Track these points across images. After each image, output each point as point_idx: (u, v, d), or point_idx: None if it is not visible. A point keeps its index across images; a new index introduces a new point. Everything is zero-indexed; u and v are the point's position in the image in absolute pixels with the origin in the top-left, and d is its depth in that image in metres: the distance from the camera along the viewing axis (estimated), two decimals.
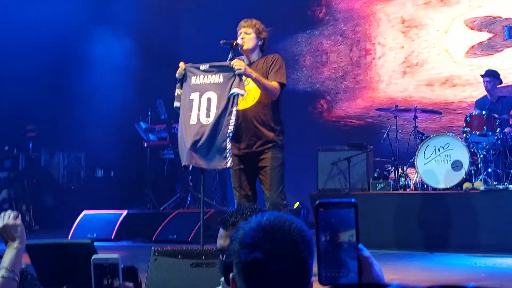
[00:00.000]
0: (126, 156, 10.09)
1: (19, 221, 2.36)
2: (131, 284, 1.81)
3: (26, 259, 2.97)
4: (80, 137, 10.39)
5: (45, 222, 9.36)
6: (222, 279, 2.18)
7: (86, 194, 9.95)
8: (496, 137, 6.89)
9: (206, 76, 4.62)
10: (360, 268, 1.31)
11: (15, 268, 2.26)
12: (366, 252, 1.33)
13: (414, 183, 7.21)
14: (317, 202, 1.30)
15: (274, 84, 4.63)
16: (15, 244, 2.32)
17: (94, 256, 1.78)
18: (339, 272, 1.31)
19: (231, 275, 1.44)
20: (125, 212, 8.23)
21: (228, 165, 4.51)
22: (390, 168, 7.44)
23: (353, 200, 1.31)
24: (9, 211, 2.38)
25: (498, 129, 6.92)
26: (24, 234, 2.38)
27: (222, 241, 2.23)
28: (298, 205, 8.68)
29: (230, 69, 4.49)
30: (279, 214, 1.44)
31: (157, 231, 7.57)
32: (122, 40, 10.24)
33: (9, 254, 2.27)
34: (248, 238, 1.39)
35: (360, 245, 1.32)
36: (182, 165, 4.64)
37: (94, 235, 7.76)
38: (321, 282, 1.31)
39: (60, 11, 9.82)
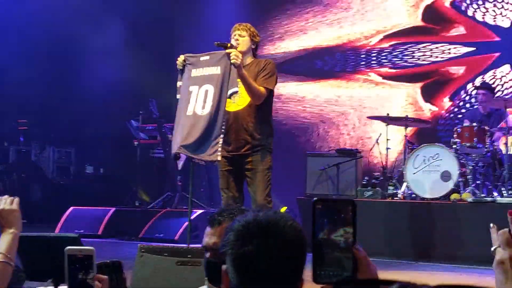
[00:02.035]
0: (116, 154, 10.08)
1: (15, 206, 2.34)
2: (105, 277, 1.80)
3: None
4: (71, 132, 10.38)
5: (33, 216, 9.32)
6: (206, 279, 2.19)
7: (75, 190, 9.93)
8: (486, 150, 6.93)
9: (205, 68, 4.66)
10: (356, 268, 1.31)
11: (10, 254, 2.25)
12: (363, 252, 1.33)
13: (402, 192, 7.24)
14: (315, 199, 1.29)
15: (261, 88, 4.66)
16: (12, 229, 2.30)
17: (68, 247, 1.75)
18: (334, 271, 1.29)
19: (223, 267, 1.45)
20: (113, 209, 8.22)
21: (219, 158, 4.53)
22: (379, 176, 7.47)
23: (351, 199, 1.30)
24: (5, 196, 2.36)
25: (488, 141, 6.96)
26: (21, 219, 2.36)
27: (207, 238, 2.22)
28: (285, 210, 8.69)
29: (227, 57, 4.52)
30: (277, 212, 1.46)
31: (144, 229, 7.57)
32: (116, 38, 10.23)
33: (5, 239, 2.26)
34: (243, 231, 1.41)
35: (356, 245, 1.31)
36: (172, 153, 4.66)
37: (82, 231, 7.74)
38: (315, 280, 1.30)
39: (55, 7, 9.81)
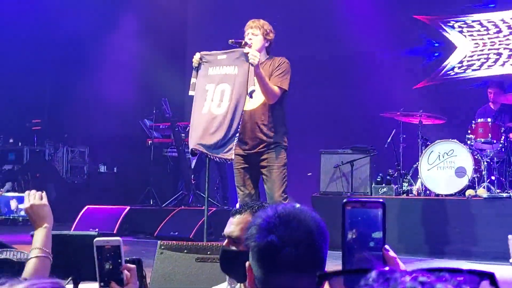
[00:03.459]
0: (129, 153, 10.13)
1: (45, 200, 2.36)
2: (133, 266, 1.85)
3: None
4: (85, 132, 10.44)
5: None
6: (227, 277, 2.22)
7: (89, 189, 9.99)
8: (500, 145, 6.91)
9: (222, 67, 4.67)
10: None
11: (47, 247, 2.27)
12: (392, 253, 1.34)
13: (417, 189, 7.23)
14: (345, 200, 1.30)
15: (275, 88, 4.66)
16: (45, 224, 2.32)
17: (96, 238, 1.80)
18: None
19: (247, 263, 1.48)
20: (127, 208, 8.25)
21: (232, 156, 4.56)
22: (393, 172, 7.45)
23: (381, 200, 1.32)
24: (33, 191, 2.37)
25: (503, 137, 6.93)
26: (51, 213, 2.37)
27: (227, 227, 2.29)
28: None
29: (245, 56, 4.52)
30: (296, 206, 1.49)
31: (159, 227, 7.59)
32: (130, 38, 10.27)
33: (40, 234, 2.29)
34: (265, 223, 1.44)
35: (386, 246, 1.32)
36: (189, 148, 4.69)
37: (96, 230, 7.78)
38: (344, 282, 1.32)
39: (69, 9, 9.86)
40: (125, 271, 1.79)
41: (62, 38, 9.88)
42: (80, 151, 10.89)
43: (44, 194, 2.38)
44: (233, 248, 2.22)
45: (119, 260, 1.78)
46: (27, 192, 2.39)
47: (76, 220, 8.14)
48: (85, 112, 10.16)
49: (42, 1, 9.86)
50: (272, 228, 1.42)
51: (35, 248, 2.26)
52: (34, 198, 2.34)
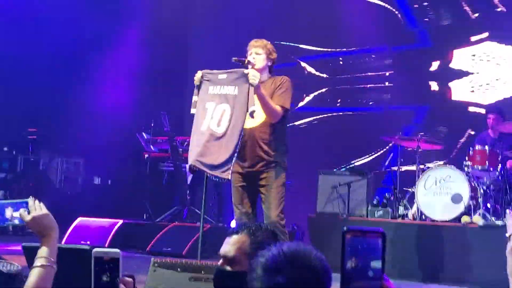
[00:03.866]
0: (125, 166, 10.08)
1: (45, 209, 2.30)
2: (130, 279, 1.81)
3: (22, 261, 2.95)
4: (81, 143, 10.38)
5: None
6: None
7: (82, 201, 9.91)
8: (497, 173, 6.90)
9: (222, 86, 4.66)
10: None
11: (53, 257, 2.23)
12: (391, 283, 1.34)
13: (412, 213, 7.20)
14: (345, 228, 1.32)
15: (277, 107, 4.64)
16: (50, 233, 2.27)
17: (95, 249, 1.78)
18: None
19: None
20: (120, 221, 8.19)
21: (229, 177, 4.54)
22: (389, 196, 7.43)
23: (381, 230, 1.31)
24: (31, 202, 2.30)
25: (500, 165, 6.92)
26: (55, 221, 2.32)
27: (222, 246, 2.29)
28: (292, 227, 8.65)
29: (245, 77, 4.51)
30: (298, 243, 1.51)
31: (152, 242, 7.53)
32: (130, 50, 10.27)
33: (46, 244, 2.24)
34: (271, 264, 1.44)
35: (384, 275, 1.32)
36: (188, 164, 4.67)
37: (88, 242, 7.72)
38: None
39: (67, 19, 9.86)
40: (122, 285, 1.76)
41: (60, 48, 9.85)
42: (75, 162, 10.83)
43: (42, 204, 2.32)
44: (228, 268, 2.21)
45: (117, 273, 1.75)
46: (27, 200, 2.33)
47: (68, 232, 8.07)
48: (82, 122, 10.11)
49: (39, 10, 9.84)
50: (279, 268, 1.42)
51: (41, 257, 2.22)
52: (34, 209, 2.28)
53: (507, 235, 1.50)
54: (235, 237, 2.26)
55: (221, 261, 2.26)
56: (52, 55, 9.83)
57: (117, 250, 1.80)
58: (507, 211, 1.52)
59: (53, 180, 10.50)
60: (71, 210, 9.15)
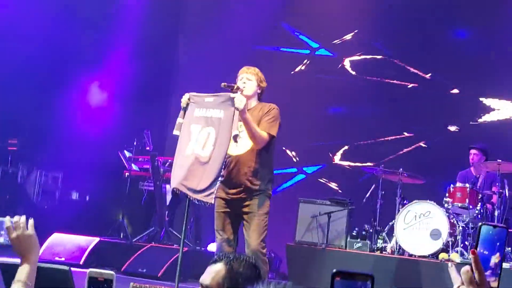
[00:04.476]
0: (104, 183, 9.96)
1: (31, 230, 2.24)
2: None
3: None
4: (61, 157, 10.26)
5: None
6: None
7: (59, 216, 9.77)
8: (477, 211, 6.94)
9: (208, 109, 4.65)
10: None
11: (31, 281, 2.18)
12: None
13: (391, 247, 7.20)
14: (334, 270, 1.33)
15: (263, 134, 4.64)
16: (30, 256, 2.21)
17: (90, 269, 1.87)
18: None
19: None
20: (96, 239, 8.08)
21: (212, 201, 4.52)
22: (369, 228, 7.44)
23: (370, 273, 1.33)
24: (18, 219, 2.22)
25: (480, 203, 6.97)
26: (38, 244, 2.26)
27: (202, 275, 2.39)
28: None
29: (231, 101, 4.51)
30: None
31: (128, 262, 7.43)
32: (115, 67, 10.22)
33: (25, 267, 2.18)
34: None
35: None
36: (171, 187, 4.63)
37: (63, 259, 7.60)
38: None
39: (49, 30, 9.81)
40: None
41: (42, 61, 9.77)
42: (54, 176, 10.69)
43: (31, 222, 2.26)
44: None
45: None
46: (13, 219, 2.26)
47: (43, 247, 7.95)
48: (63, 136, 10.00)
49: (20, 23, 9.76)
50: None
51: (19, 280, 2.17)
52: (20, 229, 2.22)
53: None
54: (213, 266, 2.35)
55: None
56: (34, 67, 9.74)
57: (111, 272, 1.88)
58: (449, 264, 1.53)
59: (30, 193, 10.35)
60: (47, 224, 9.01)
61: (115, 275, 1.85)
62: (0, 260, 2.98)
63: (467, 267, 1.42)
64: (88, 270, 1.84)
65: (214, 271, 2.34)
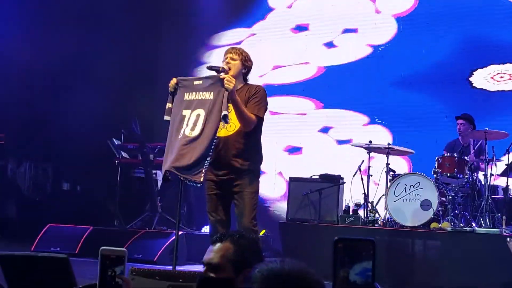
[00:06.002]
0: (95, 172, 9.96)
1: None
2: (129, 280, 1.94)
3: None
4: (49, 148, 10.25)
5: (7, 232, 9.17)
6: None
7: (51, 207, 9.79)
8: (465, 180, 7.03)
9: (198, 92, 4.65)
10: None
11: None
12: None
13: (383, 219, 7.29)
14: (336, 238, 1.35)
15: (251, 115, 4.67)
16: None
17: (103, 247, 1.93)
18: None
19: None
20: (90, 228, 8.12)
21: (201, 179, 4.53)
22: (360, 202, 7.51)
23: (372, 239, 1.35)
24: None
25: (468, 172, 7.06)
26: None
27: (206, 254, 2.40)
28: (264, 233, 8.68)
29: (221, 82, 4.52)
30: (293, 262, 1.50)
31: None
32: (99, 56, 10.17)
33: None
34: (272, 279, 1.44)
35: (376, 284, 1.35)
36: (163, 171, 4.65)
37: (58, 249, 7.64)
38: None
39: (37, 27, 9.75)
40: (120, 280, 1.89)
41: (26, 51, 9.72)
42: (43, 168, 10.68)
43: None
44: (212, 275, 2.28)
45: (121, 269, 1.90)
46: None
47: (37, 239, 7.98)
48: (51, 127, 9.98)
49: (8, 18, 9.70)
50: (281, 284, 1.43)
51: None
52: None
53: None
54: (219, 245, 2.35)
55: (204, 269, 2.31)
56: (17, 60, 9.70)
57: (123, 249, 1.93)
58: (508, 239, 1.56)
59: (21, 185, 10.34)
60: (40, 216, 9.04)
61: (126, 251, 1.92)
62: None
63: None
64: (100, 248, 1.90)
65: (222, 249, 2.36)
